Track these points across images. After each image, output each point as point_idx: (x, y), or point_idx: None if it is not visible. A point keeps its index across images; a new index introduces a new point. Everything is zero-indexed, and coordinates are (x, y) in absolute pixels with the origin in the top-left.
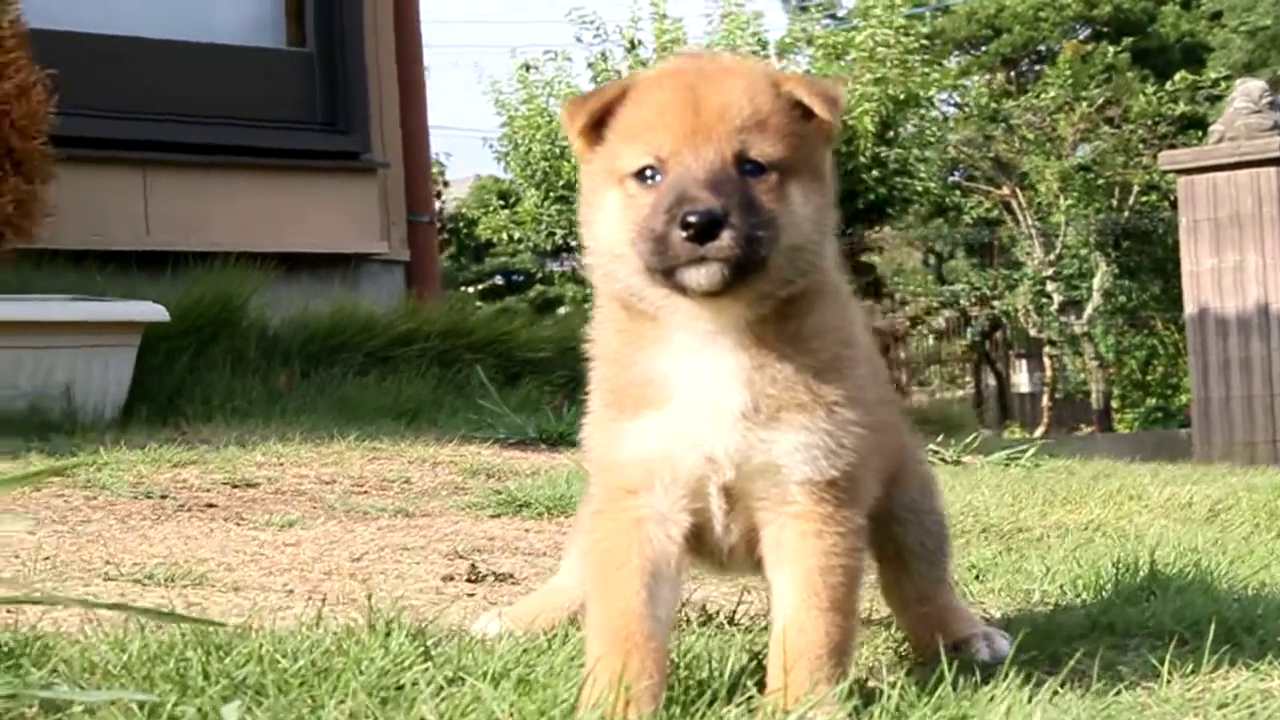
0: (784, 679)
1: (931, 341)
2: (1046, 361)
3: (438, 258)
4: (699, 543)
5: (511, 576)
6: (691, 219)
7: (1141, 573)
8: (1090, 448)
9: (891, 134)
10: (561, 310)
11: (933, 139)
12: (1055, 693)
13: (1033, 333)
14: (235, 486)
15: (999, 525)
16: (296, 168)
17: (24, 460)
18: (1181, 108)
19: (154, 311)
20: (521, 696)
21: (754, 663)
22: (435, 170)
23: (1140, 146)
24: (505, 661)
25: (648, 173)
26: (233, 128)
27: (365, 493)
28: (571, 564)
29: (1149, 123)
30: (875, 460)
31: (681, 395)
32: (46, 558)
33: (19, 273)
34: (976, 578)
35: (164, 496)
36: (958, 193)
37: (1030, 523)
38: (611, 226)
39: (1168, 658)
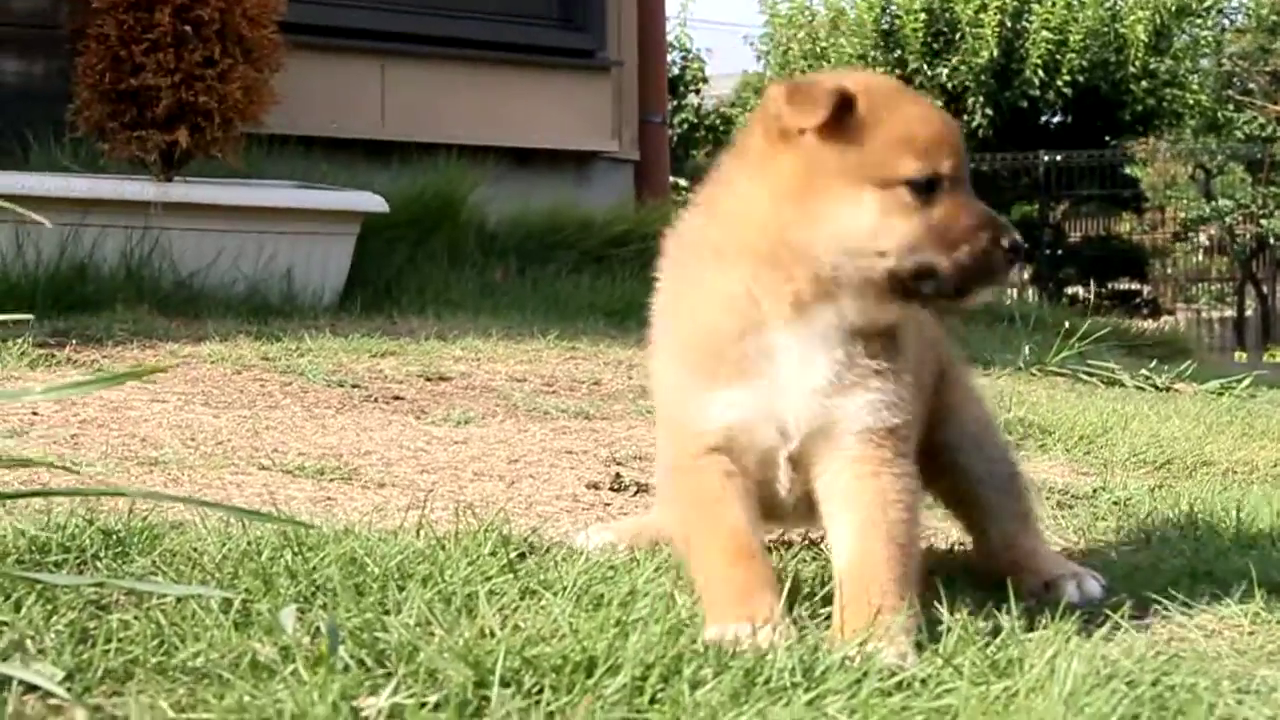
0: (850, 609)
1: (1201, 258)
2: None
3: (668, 158)
4: (762, 499)
5: (652, 488)
6: (1017, 246)
7: (1270, 519)
8: None
9: (1165, 44)
10: None
11: (1208, 50)
12: (1108, 639)
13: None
14: (428, 380)
15: (1180, 459)
16: (531, 63)
17: (232, 343)
18: None
19: (374, 202)
20: (589, 612)
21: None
22: (694, 66)
23: None
24: (588, 578)
25: (929, 184)
26: (469, 21)
27: (554, 393)
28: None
29: None
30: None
31: (772, 373)
32: (220, 443)
33: (247, 158)
34: (1118, 512)
35: (356, 386)
36: (1230, 107)
37: (1216, 458)
38: (869, 225)
39: (1255, 609)
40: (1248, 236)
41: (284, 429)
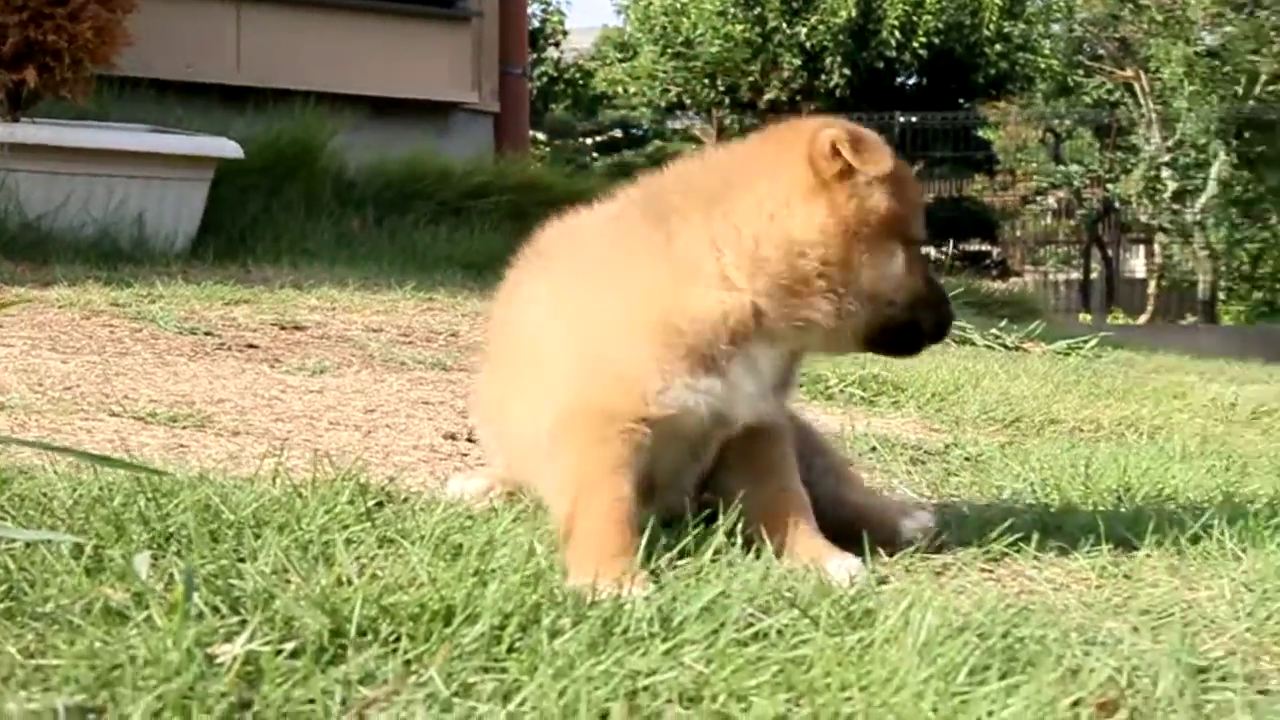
0: (793, 534)
1: (1049, 221)
2: (1156, 249)
3: (528, 111)
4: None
5: None
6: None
7: (1116, 475)
8: (1191, 338)
9: (1018, 8)
10: None
11: (1059, 15)
12: (960, 592)
13: (1143, 219)
14: (282, 329)
15: (1029, 417)
16: (392, 11)
17: (81, 288)
18: None
19: (229, 148)
20: (446, 563)
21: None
22: (554, 19)
23: (1272, 34)
24: (445, 527)
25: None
26: None
27: (410, 343)
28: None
29: None
30: None
31: (734, 372)
32: (68, 388)
33: (99, 101)
34: (969, 468)
35: (208, 334)
36: (1080, 72)
37: (1063, 416)
38: (897, 277)
39: (1102, 563)
40: (1095, 201)
41: (135, 376)
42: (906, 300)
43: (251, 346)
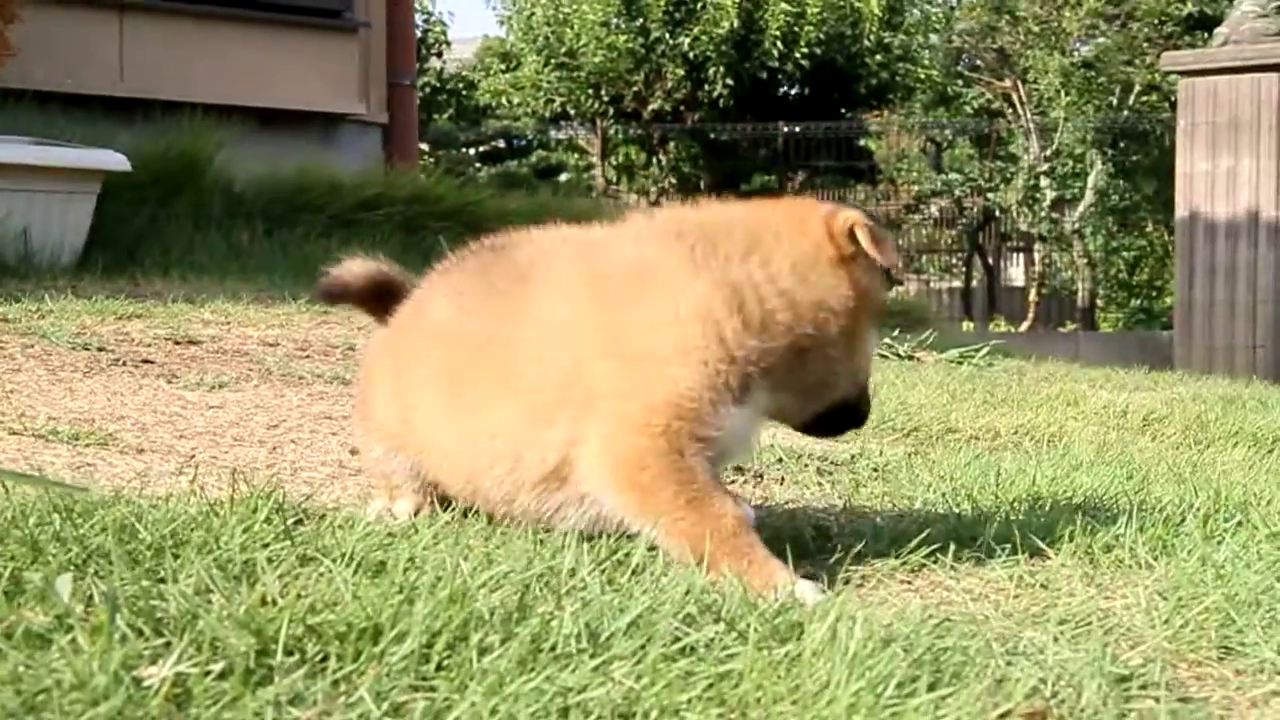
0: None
1: (931, 229)
2: (1036, 257)
3: (416, 122)
4: None
5: None
6: None
7: (1025, 485)
8: (1071, 345)
9: (898, 19)
10: (563, 177)
11: (938, 26)
12: (880, 604)
13: (1023, 227)
14: (177, 343)
15: (927, 426)
16: (278, 22)
17: None
18: (1189, 7)
19: (116, 160)
20: (370, 580)
21: None
22: (437, 30)
23: (1145, 46)
24: (366, 543)
25: None
26: None
27: (307, 357)
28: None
29: (1155, 21)
30: None
31: (753, 413)
32: None
33: None
34: (877, 478)
35: (101, 349)
36: (960, 82)
37: (961, 424)
38: (868, 358)
39: (1019, 573)
40: (975, 210)
41: (29, 392)
42: (863, 382)
43: (147, 362)
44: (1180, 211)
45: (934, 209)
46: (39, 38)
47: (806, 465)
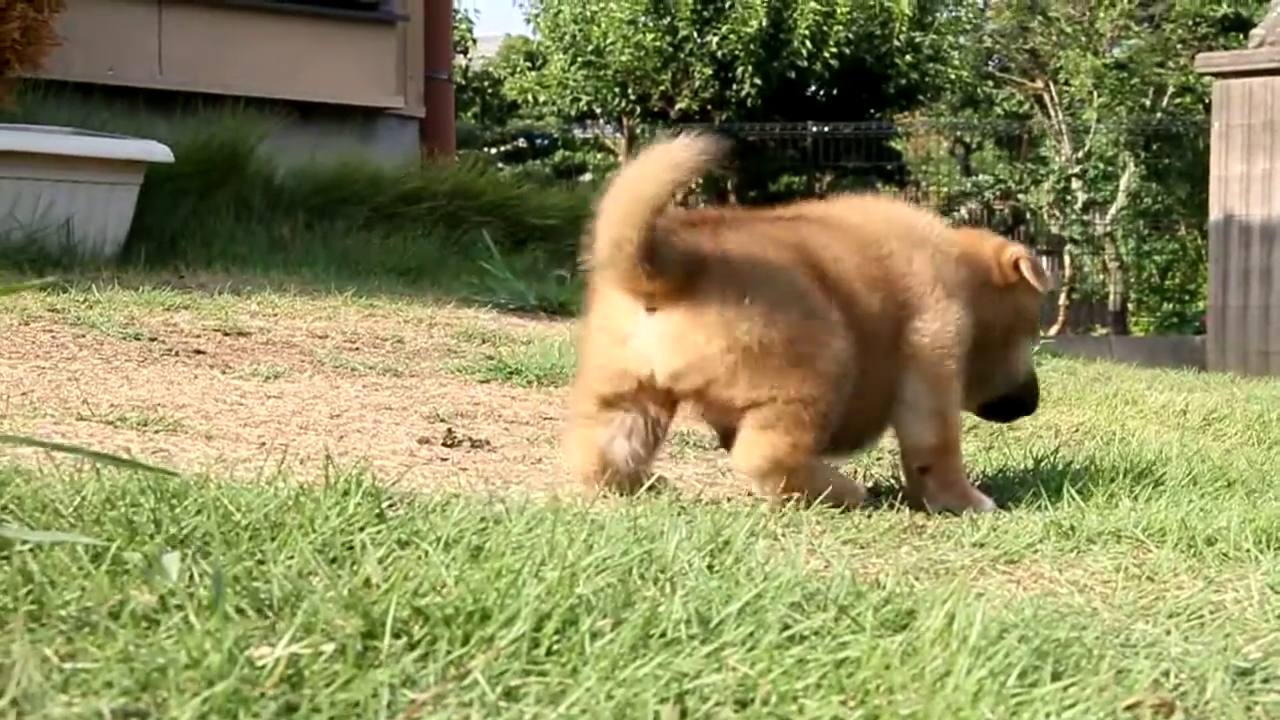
0: None
1: None
2: (1066, 260)
3: (454, 116)
4: None
5: (488, 443)
6: None
7: (1111, 478)
8: (1103, 350)
9: (928, 19)
10: (585, 177)
11: (969, 26)
12: (983, 594)
13: (1053, 230)
14: (226, 334)
15: (985, 424)
16: (316, 15)
17: (13, 293)
18: (1224, 8)
19: (159, 151)
20: (471, 564)
21: None
22: (462, 27)
23: (1179, 47)
24: (460, 528)
25: None
26: None
27: (356, 349)
28: None
29: (1189, 23)
30: None
31: None
32: (24, 394)
33: (24, 103)
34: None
35: (153, 339)
36: (990, 84)
37: (1021, 422)
38: (1024, 363)
39: (1123, 564)
40: (1005, 212)
41: (88, 381)
42: (1023, 381)
43: (199, 352)
44: (1214, 215)
45: (963, 211)
46: (79, 29)
47: (880, 459)
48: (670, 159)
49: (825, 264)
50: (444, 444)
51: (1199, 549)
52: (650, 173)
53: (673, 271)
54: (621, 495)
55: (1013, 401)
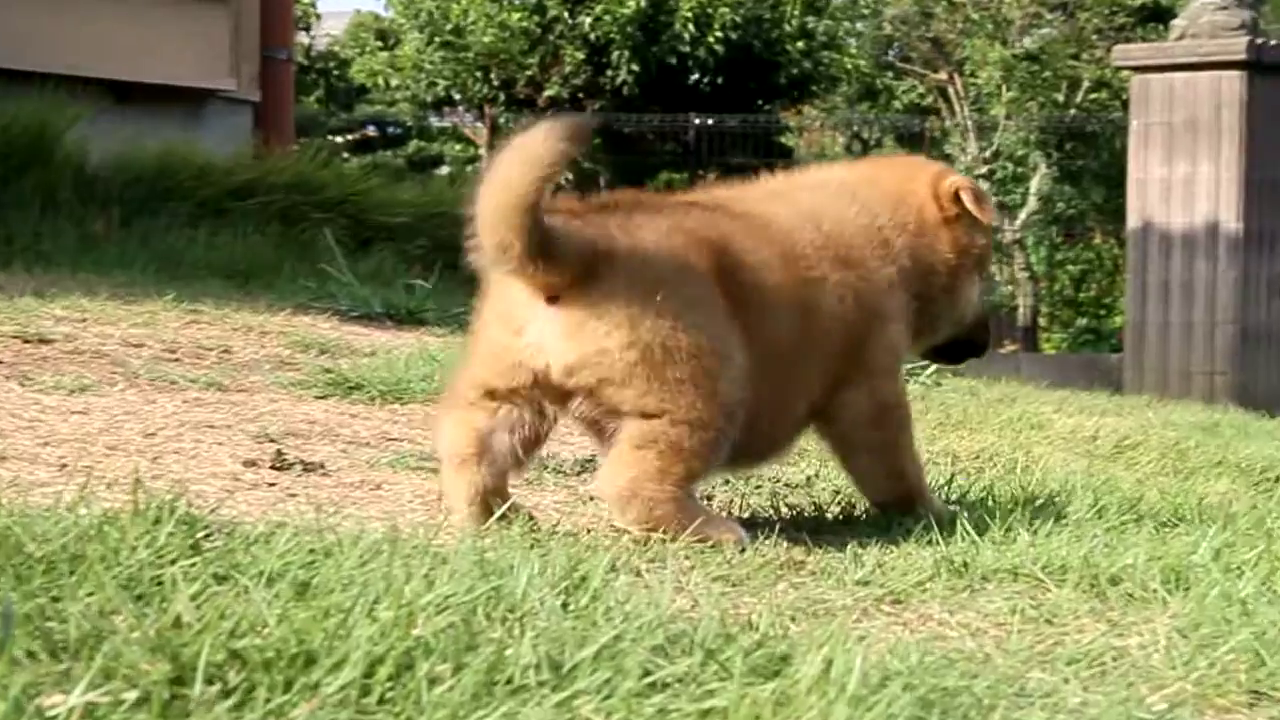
0: None
1: None
2: None
3: (293, 101)
4: None
5: (322, 466)
6: None
7: (1009, 510)
8: (1010, 368)
9: (822, 3)
10: (442, 170)
11: (866, 11)
12: (865, 637)
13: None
14: (26, 342)
15: None
16: None
17: None
18: None
19: None
20: (296, 601)
21: None
22: (305, 1)
23: (1094, 38)
24: (285, 561)
25: None
26: None
27: (176, 360)
28: None
29: (1106, 11)
30: None
31: None
32: None
33: None
34: (839, 501)
35: None
36: (890, 74)
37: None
38: (973, 304)
39: (1019, 606)
40: None
41: None
42: (970, 322)
43: None
44: (1132, 222)
45: None
46: None
47: (760, 487)
48: (529, 155)
49: (744, 273)
50: (272, 467)
51: (1102, 589)
52: (513, 174)
53: (573, 262)
54: (484, 501)
55: (961, 344)
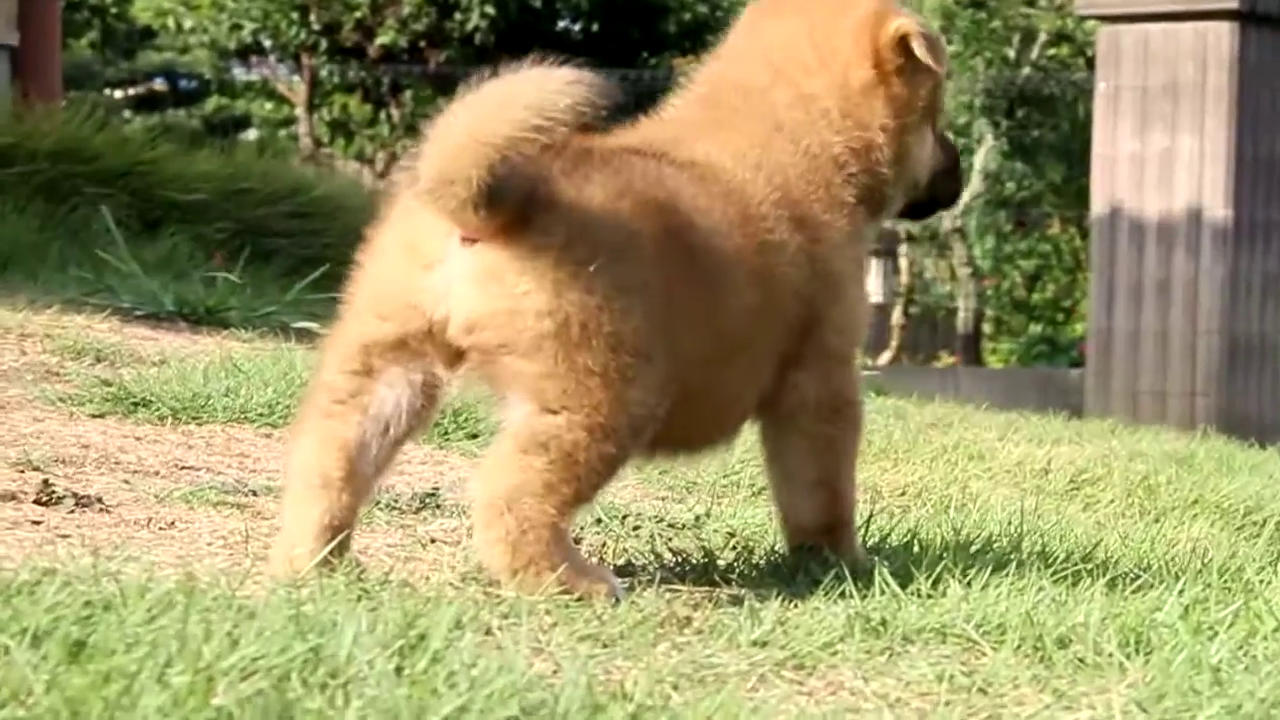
0: None
1: None
2: (902, 264)
3: (60, 46)
4: None
5: (100, 501)
6: None
7: (939, 557)
8: (948, 384)
9: None
10: (249, 134)
11: None
12: (758, 710)
13: (887, 222)
14: None
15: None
16: None
17: None
18: None
19: None
20: (69, 664)
21: None
22: None
23: None
24: (55, 616)
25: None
26: None
27: None
28: None
29: None
30: None
31: None
32: None
33: None
34: (734, 546)
35: None
36: None
37: None
38: (926, 162)
39: (947, 672)
40: None
41: None
42: (929, 178)
43: None
44: (1098, 207)
45: None
46: None
47: (639, 528)
48: (527, 97)
49: (696, 240)
50: (37, 502)
51: (1048, 652)
52: (512, 103)
53: (510, 202)
54: (334, 537)
55: (923, 204)
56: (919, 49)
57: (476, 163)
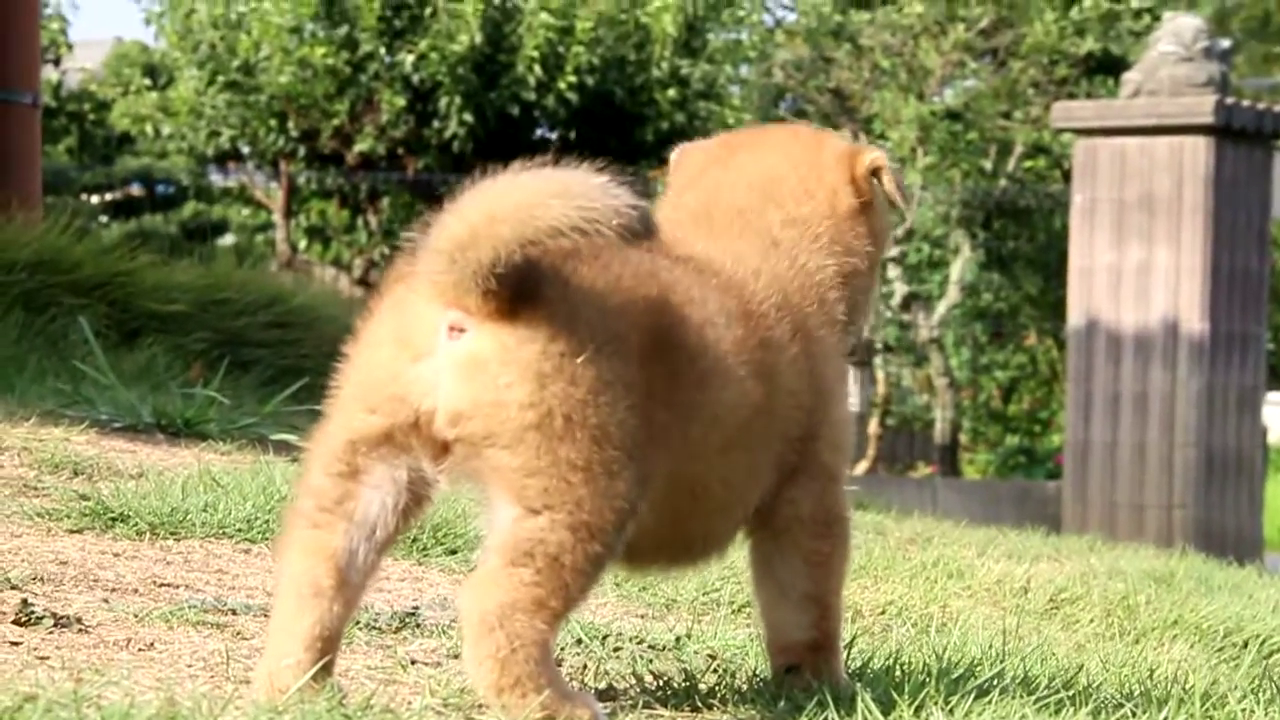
0: None
1: None
2: (879, 375)
3: (39, 154)
4: None
5: (79, 621)
6: None
7: (921, 681)
8: (926, 496)
9: (699, 42)
10: (226, 239)
11: (752, 54)
12: None
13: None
14: None
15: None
16: None
17: None
18: (1090, 43)
19: None
20: None
21: None
22: (53, 28)
23: (1030, 92)
24: None
25: None
26: None
27: None
28: None
29: (1044, 61)
30: None
31: None
32: None
33: None
34: (715, 669)
35: None
36: None
37: None
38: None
39: None
40: None
41: None
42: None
43: None
44: (1074, 318)
45: None
46: None
47: (619, 649)
48: (569, 188)
49: (688, 345)
50: (15, 622)
51: None
52: (569, 194)
53: (506, 288)
54: (325, 649)
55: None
56: (888, 182)
57: (508, 238)
